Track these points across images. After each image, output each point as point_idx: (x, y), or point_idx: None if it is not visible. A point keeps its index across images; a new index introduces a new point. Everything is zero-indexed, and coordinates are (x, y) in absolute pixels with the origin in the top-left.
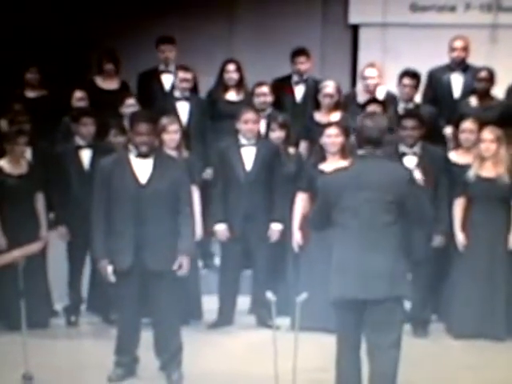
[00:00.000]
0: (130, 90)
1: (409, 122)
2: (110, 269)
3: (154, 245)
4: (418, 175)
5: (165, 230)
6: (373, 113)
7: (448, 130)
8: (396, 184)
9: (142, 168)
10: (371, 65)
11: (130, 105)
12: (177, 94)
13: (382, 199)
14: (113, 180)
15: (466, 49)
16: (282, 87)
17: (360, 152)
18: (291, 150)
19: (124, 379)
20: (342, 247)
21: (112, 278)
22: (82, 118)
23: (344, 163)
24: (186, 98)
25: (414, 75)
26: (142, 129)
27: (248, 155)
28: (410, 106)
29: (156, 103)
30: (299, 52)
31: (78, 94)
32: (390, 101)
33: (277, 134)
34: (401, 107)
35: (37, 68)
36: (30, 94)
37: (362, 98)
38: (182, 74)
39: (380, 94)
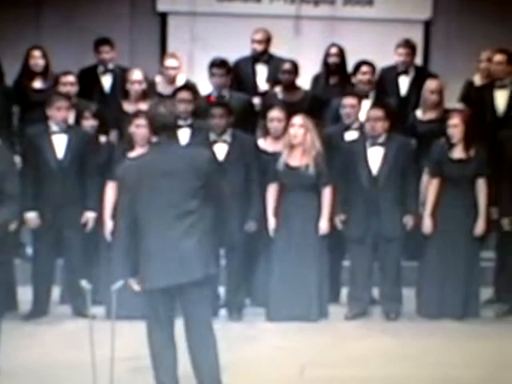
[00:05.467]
0: None
1: (217, 110)
2: None
3: None
4: None
5: None
6: (164, 99)
7: None
8: (198, 167)
9: None
10: (171, 55)
11: None
12: None
13: (186, 185)
14: None
15: (266, 41)
16: (88, 77)
17: (157, 139)
18: (103, 138)
19: None
20: (149, 236)
21: None
22: None
23: None
24: None
25: (222, 64)
26: None
27: (59, 143)
28: (224, 94)
29: None
30: (102, 41)
31: None
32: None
33: (90, 123)
34: (214, 96)
35: None
36: None
37: (162, 87)
38: None
39: (180, 83)
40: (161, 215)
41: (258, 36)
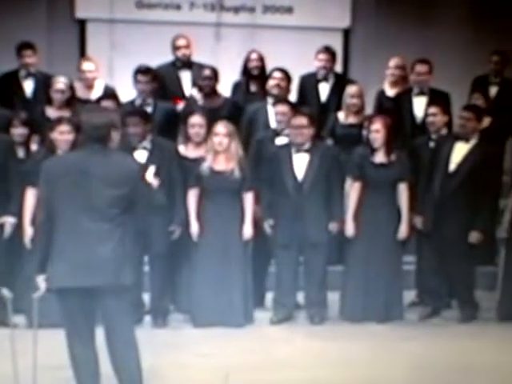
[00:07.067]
0: None
1: (131, 119)
2: None
3: None
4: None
5: None
6: (96, 108)
7: None
8: (126, 176)
9: None
10: (87, 58)
11: None
12: None
13: (110, 191)
14: None
15: (189, 46)
16: (10, 81)
17: (87, 145)
18: (34, 146)
19: None
20: (64, 235)
21: None
22: None
23: None
24: None
25: (147, 71)
26: None
27: None
28: (148, 101)
29: None
30: (25, 46)
31: None
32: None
33: (19, 131)
34: (138, 103)
35: None
36: None
37: (81, 93)
38: None
39: (98, 88)
40: (79, 216)
41: (183, 42)
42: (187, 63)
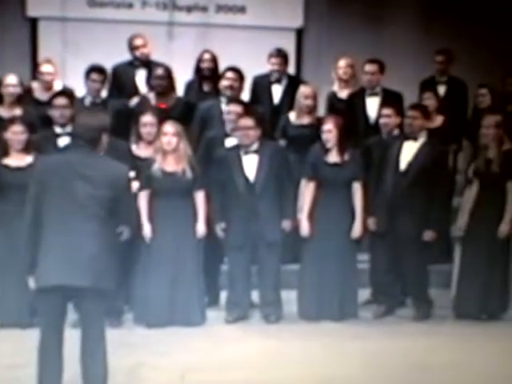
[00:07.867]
0: None
1: None
2: None
3: None
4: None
5: None
6: (90, 111)
7: None
8: (114, 180)
9: None
10: (47, 61)
11: None
12: None
13: (98, 193)
14: None
15: (146, 45)
16: None
17: (76, 146)
18: None
19: None
20: (50, 234)
21: None
22: None
23: (29, 158)
24: None
25: (100, 70)
26: None
27: None
28: (98, 100)
29: None
30: None
31: None
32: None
33: None
34: (88, 101)
35: None
36: None
37: (39, 93)
38: None
39: (57, 89)
40: (65, 216)
41: (141, 41)
42: (145, 62)
